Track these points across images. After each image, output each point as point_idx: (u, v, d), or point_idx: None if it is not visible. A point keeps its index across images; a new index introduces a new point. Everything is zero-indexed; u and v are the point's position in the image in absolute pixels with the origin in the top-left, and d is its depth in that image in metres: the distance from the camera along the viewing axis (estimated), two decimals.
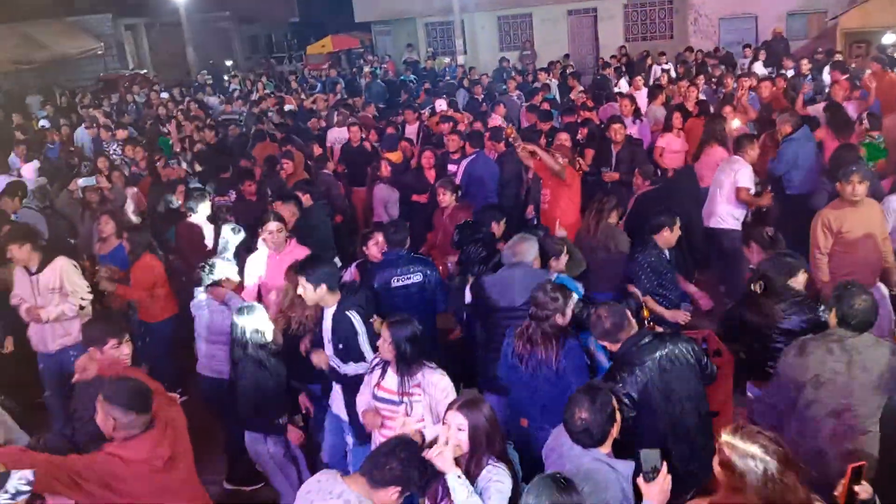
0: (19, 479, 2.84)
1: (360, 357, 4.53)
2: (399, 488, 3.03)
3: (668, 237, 5.37)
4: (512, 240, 5.11)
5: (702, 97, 10.52)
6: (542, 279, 4.54)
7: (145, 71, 25.10)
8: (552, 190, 7.13)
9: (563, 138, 8.32)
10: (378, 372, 4.12)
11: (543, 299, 4.12)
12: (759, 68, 13.73)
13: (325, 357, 4.60)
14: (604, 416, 3.16)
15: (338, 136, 11.12)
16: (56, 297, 5.76)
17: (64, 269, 5.79)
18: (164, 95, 18.07)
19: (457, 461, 3.20)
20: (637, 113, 9.94)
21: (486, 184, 8.04)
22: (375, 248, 5.65)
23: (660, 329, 4.23)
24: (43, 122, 14.73)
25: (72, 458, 3.30)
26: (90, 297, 5.96)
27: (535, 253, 4.98)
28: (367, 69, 20.80)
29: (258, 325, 4.69)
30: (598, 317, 3.96)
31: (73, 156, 11.39)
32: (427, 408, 3.94)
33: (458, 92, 15.06)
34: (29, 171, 10.40)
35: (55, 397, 5.99)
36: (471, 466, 3.23)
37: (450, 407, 3.37)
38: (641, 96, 11.66)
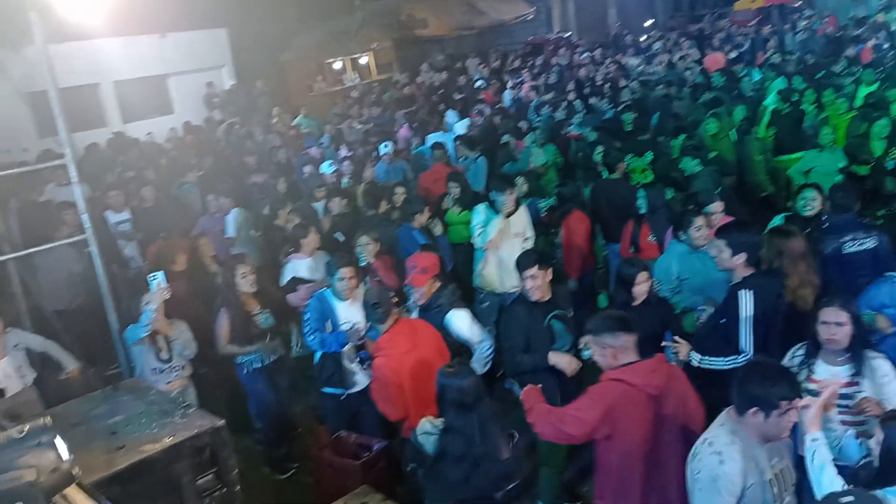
0: None
1: (731, 348, 4.18)
2: (755, 408, 2.97)
3: None
4: None
5: None
6: None
7: (569, 34, 26.10)
8: None
9: None
10: (803, 369, 3.73)
11: None
12: None
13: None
14: None
15: None
16: (517, 241, 6.15)
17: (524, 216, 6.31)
18: (585, 55, 18.60)
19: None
20: None
21: None
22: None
23: None
24: (479, 83, 16.23)
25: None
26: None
27: None
28: (802, 23, 18.71)
29: None
30: None
31: (499, 115, 12.35)
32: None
33: None
34: (461, 129, 11.54)
35: None
36: None
37: None
38: None
